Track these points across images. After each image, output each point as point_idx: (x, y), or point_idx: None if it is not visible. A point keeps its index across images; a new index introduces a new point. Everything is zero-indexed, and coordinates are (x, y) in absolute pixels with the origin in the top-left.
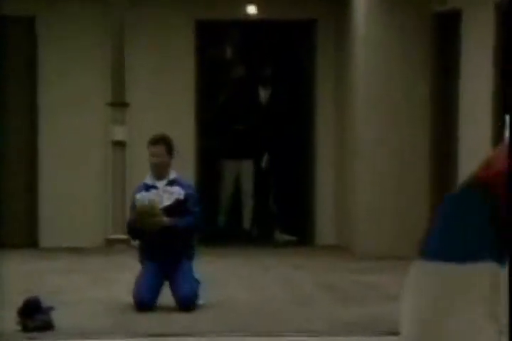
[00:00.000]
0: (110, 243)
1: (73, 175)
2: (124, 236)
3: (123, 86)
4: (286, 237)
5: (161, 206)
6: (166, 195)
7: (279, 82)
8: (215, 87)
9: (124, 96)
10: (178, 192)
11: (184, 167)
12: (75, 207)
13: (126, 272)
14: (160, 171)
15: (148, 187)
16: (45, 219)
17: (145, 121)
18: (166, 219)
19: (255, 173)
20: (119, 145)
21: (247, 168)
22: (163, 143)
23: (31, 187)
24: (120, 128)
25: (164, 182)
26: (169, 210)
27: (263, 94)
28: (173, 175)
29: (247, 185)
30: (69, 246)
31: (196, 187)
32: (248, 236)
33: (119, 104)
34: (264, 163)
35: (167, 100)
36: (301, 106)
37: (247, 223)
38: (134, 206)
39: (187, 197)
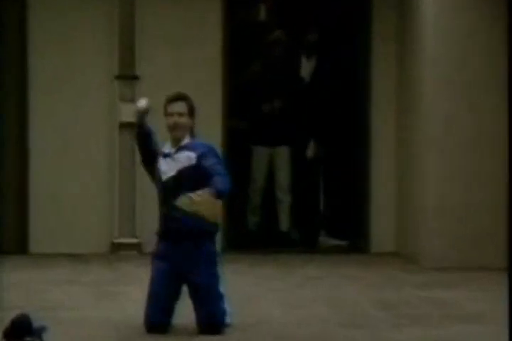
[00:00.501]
0: (116, 248)
1: (71, 166)
2: (134, 240)
3: (132, 56)
4: (334, 242)
5: (163, 177)
6: (172, 165)
7: (327, 51)
8: (247, 58)
9: (134, 69)
10: (185, 158)
11: None
12: (73, 205)
13: (135, 284)
14: (177, 134)
15: (165, 156)
16: (37, 219)
17: (160, 98)
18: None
19: (293, 163)
20: (128, 127)
21: (282, 156)
22: (184, 101)
23: (19, 182)
24: (129, 107)
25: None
26: (174, 183)
27: (307, 66)
28: (186, 140)
29: (283, 178)
30: (66, 252)
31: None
32: (286, 239)
33: (127, 77)
34: (310, 151)
35: (187, 74)
36: (354, 82)
37: (284, 224)
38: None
39: (201, 156)
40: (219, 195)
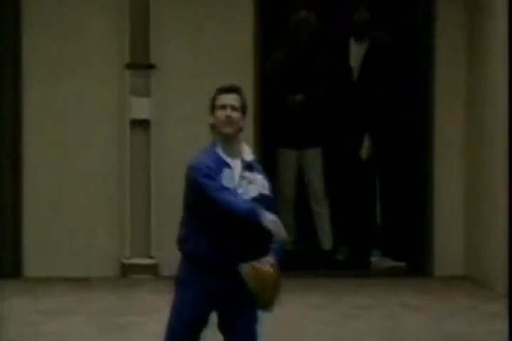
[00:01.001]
0: (127, 271)
1: (72, 173)
2: (149, 261)
3: (146, 41)
4: (390, 263)
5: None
6: (245, 186)
7: (381, 33)
8: (283, 42)
9: (149, 56)
10: (262, 183)
11: None
12: (75, 219)
13: (149, 314)
14: (230, 131)
15: (219, 165)
16: (32, 236)
17: (179, 91)
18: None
19: (327, 166)
20: (141, 126)
21: (312, 158)
22: (238, 94)
23: (12, 190)
24: (142, 102)
25: (238, 161)
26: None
27: (356, 51)
28: (246, 152)
29: (316, 185)
30: (66, 275)
31: None
32: (330, 260)
33: (141, 66)
34: (364, 152)
35: (211, 62)
36: (414, 70)
37: (325, 241)
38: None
39: (271, 191)
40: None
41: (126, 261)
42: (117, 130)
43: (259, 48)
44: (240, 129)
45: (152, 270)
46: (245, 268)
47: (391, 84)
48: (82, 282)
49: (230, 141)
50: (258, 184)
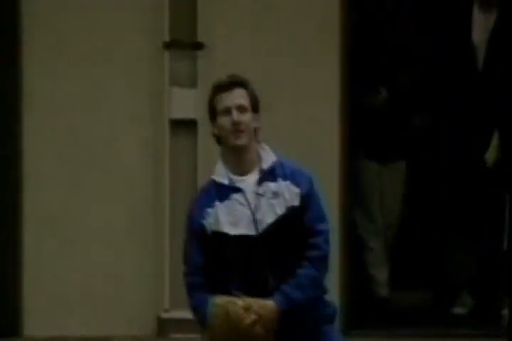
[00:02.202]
0: (165, 328)
1: (88, 193)
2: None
3: (193, 11)
4: None
5: (262, 226)
6: (266, 203)
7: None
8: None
9: (196, 32)
10: (287, 193)
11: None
12: (93, 258)
13: None
14: (242, 142)
15: (224, 192)
16: (34, 283)
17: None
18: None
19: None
20: (184, 127)
21: (395, 175)
22: (243, 87)
23: (9, 218)
24: (186, 95)
25: (254, 176)
26: (276, 233)
27: (481, 23)
28: (267, 156)
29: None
30: (81, 335)
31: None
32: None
33: (184, 45)
34: (491, 155)
35: (280, 39)
36: None
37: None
38: (190, 258)
39: (306, 197)
40: (286, 308)
41: (164, 315)
42: (152, 134)
43: (347, 22)
44: (256, 134)
45: (201, 327)
46: (216, 302)
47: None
48: None
49: (243, 153)
50: (284, 194)
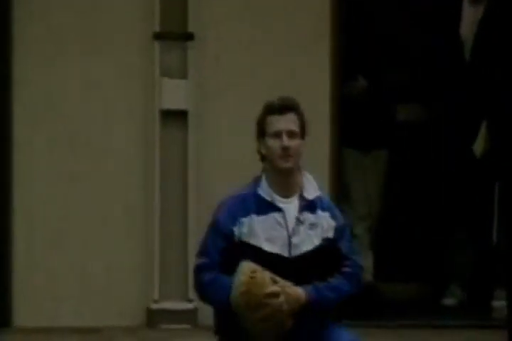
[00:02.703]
0: (155, 319)
1: (79, 186)
2: (186, 306)
3: (184, 6)
4: None
5: (296, 252)
6: (304, 232)
7: None
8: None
9: (186, 23)
10: (325, 225)
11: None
12: (83, 249)
13: None
14: (290, 167)
15: (263, 207)
16: (25, 273)
17: (227, 70)
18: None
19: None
20: (175, 118)
21: (378, 163)
22: (295, 112)
23: None
24: (177, 86)
25: (295, 201)
26: (308, 260)
27: (470, 15)
28: (311, 187)
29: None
30: (71, 325)
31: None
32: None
33: (174, 35)
34: (479, 146)
35: (274, 29)
36: None
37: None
38: (207, 249)
39: (340, 230)
40: (313, 301)
41: (153, 306)
42: (142, 124)
43: (338, 12)
44: (300, 159)
45: (190, 317)
46: (244, 268)
47: None
48: (92, 334)
49: (287, 177)
50: (322, 226)
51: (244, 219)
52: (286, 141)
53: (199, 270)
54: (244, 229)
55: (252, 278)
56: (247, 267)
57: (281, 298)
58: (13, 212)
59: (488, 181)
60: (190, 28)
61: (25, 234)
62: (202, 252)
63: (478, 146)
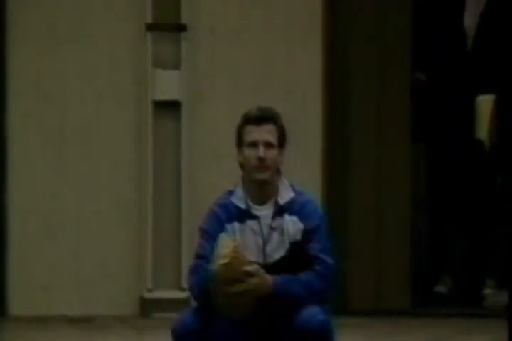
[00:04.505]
0: (148, 308)
1: (73, 177)
2: (179, 295)
3: None
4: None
5: (270, 260)
6: (277, 238)
7: None
8: None
9: (179, 14)
10: (291, 229)
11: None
12: (77, 239)
13: None
14: (264, 177)
15: (241, 215)
16: (19, 263)
17: (219, 61)
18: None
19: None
20: (168, 109)
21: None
22: (273, 122)
23: None
24: (169, 76)
25: (270, 208)
26: (282, 266)
27: (472, 6)
28: (285, 192)
29: None
30: (65, 314)
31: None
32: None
33: (167, 27)
34: (489, 136)
35: (266, 19)
36: None
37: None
38: (205, 251)
39: (311, 232)
40: (279, 290)
41: (147, 295)
42: (135, 116)
43: (330, 7)
44: (278, 170)
45: (183, 306)
46: (227, 242)
47: None
48: (86, 323)
49: (263, 186)
50: (289, 231)
51: (228, 226)
52: (262, 152)
53: (192, 271)
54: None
55: (234, 252)
56: (229, 241)
57: (255, 280)
58: (8, 205)
59: (494, 170)
60: (183, 20)
61: (20, 227)
62: (197, 255)
63: (488, 136)
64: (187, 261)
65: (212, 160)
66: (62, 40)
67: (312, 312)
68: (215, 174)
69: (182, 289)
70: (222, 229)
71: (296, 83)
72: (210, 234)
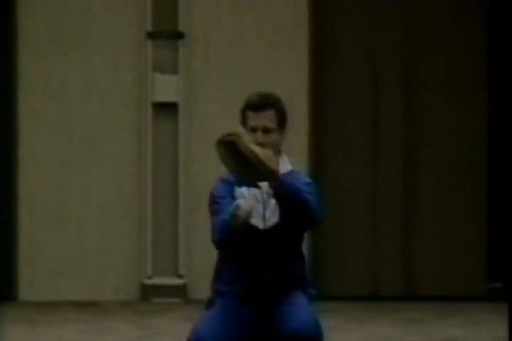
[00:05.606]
0: (148, 293)
1: (78, 173)
2: (176, 282)
3: (174, 3)
4: (494, 284)
5: (269, 223)
6: (271, 207)
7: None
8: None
9: (176, 22)
10: None
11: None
12: (83, 230)
13: None
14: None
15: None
16: (29, 252)
17: (213, 66)
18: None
19: None
20: (167, 110)
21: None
22: (273, 108)
23: (4, 196)
24: (168, 80)
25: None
26: (277, 231)
27: None
28: (284, 166)
29: None
30: (72, 299)
31: None
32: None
33: (165, 34)
34: None
35: (256, 28)
36: None
37: None
38: (222, 207)
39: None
40: (286, 185)
41: (147, 282)
42: (136, 117)
43: (315, 12)
44: (280, 147)
45: (180, 292)
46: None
47: None
48: (91, 307)
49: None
50: None
51: (238, 190)
52: (260, 137)
53: (215, 219)
54: (239, 197)
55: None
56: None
57: (270, 153)
58: (18, 197)
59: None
60: (180, 28)
61: (29, 218)
62: (214, 211)
63: None
64: (184, 250)
65: (208, 157)
66: (68, 46)
67: (303, 317)
68: (210, 170)
69: (179, 276)
70: (232, 191)
71: (283, 83)
72: (222, 195)
